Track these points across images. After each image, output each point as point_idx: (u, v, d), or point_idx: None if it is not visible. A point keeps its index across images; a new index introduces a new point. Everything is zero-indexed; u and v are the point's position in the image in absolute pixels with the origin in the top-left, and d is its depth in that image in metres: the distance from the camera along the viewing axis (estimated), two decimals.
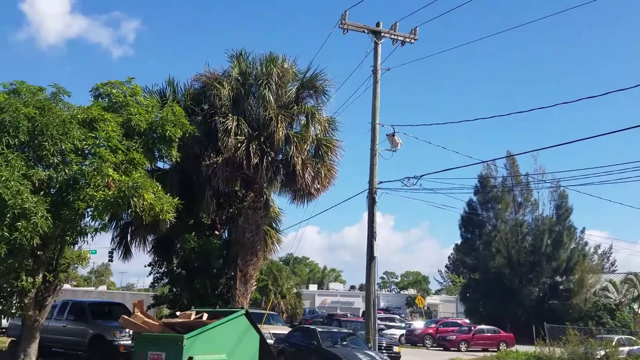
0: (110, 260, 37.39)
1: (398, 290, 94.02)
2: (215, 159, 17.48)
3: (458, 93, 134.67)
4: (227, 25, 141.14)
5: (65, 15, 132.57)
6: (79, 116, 13.23)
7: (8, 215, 10.98)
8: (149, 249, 19.58)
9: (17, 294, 12.68)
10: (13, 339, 17.22)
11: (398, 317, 43.60)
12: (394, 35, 18.94)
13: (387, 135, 18.15)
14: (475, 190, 49.46)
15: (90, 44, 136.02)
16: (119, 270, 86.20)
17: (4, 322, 21.87)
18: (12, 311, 13.05)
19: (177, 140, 14.65)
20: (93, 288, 61.62)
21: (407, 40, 19.08)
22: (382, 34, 18.81)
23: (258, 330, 10.79)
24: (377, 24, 18.86)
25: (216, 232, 19.82)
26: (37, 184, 11.97)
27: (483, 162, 41.88)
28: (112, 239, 19.06)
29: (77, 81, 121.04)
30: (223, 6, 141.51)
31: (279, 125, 17.52)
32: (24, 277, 12.16)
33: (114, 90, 14.83)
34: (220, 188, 17.73)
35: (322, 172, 18.63)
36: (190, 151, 17.12)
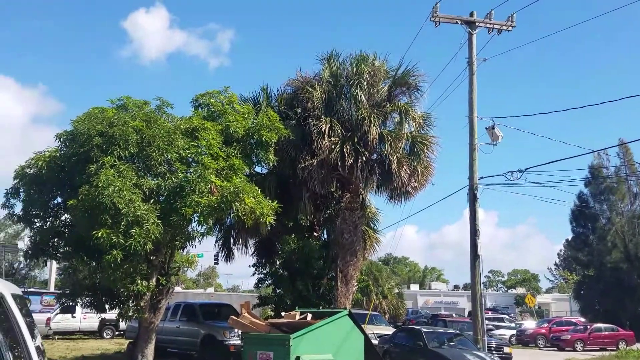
0: (216, 263, 38.95)
1: (505, 289, 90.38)
2: (310, 162, 17.66)
3: (561, 80, 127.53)
4: (317, 28, 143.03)
5: (164, 30, 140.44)
6: (182, 126, 13.87)
7: (122, 222, 11.69)
8: (251, 252, 20.18)
9: (133, 298, 13.42)
10: (131, 340, 18.29)
11: (507, 317, 41.86)
12: (489, 24, 18.19)
13: (486, 128, 17.44)
14: (586, 181, 46.40)
15: (189, 56, 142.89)
16: (224, 272, 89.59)
17: (122, 325, 23.38)
18: (130, 314, 13.80)
19: (273, 145, 15.00)
20: (202, 290, 64.54)
21: (504, 28, 18.26)
22: (477, 23, 18.11)
23: (362, 331, 10.72)
24: (471, 14, 18.18)
25: (315, 233, 20.01)
26: (147, 193, 12.65)
27: (593, 151, 38.95)
28: (216, 242, 19.82)
29: (177, 93, 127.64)
30: (312, 9, 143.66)
31: (372, 125, 17.40)
32: (139, 281, 12.87)
33: (212, 100, 15.45)
34: (317, 190, 17.89)
35: (419, 170, 18.27)
36: (286, 155, 17.42)
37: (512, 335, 33.85)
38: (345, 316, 10.41)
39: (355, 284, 19.23)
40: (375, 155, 18.54)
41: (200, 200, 12.40)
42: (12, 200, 14.56)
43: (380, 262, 46.09)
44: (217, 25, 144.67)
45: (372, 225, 21.48)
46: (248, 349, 10.40)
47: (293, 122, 18.10)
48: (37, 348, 3.31)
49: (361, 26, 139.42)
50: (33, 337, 3.24)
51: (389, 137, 17.86)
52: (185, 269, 16.63)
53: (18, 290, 3.62)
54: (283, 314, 12.46)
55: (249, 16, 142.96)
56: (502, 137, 17.21)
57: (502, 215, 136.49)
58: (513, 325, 37.32)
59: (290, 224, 19.17)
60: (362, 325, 11.82)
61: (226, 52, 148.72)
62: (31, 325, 3.41)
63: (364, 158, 17.63)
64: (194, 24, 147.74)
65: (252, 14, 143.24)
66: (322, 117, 17.78)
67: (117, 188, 11.70)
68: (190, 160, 13.78)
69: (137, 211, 11.81)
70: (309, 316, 10.60)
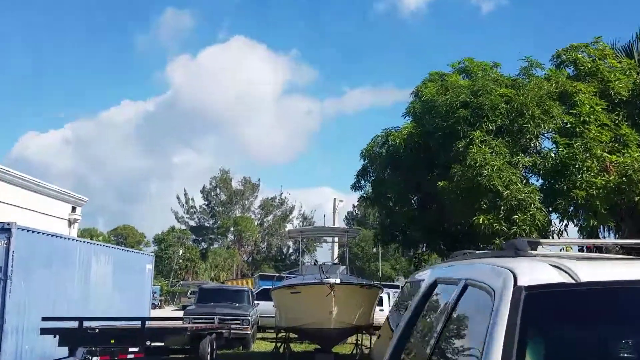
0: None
1: None
2: None
3: None
4: None
5: None
6: (555, 91, 11.48)
7: (502, 207, 9.96)
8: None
9: None
10: None
11: None
12: None
13: None
14: None
15: (455, 1, 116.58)
16: None
17: None
18: None
19: None
20: None
21: None
22: None
23: None
24: None
25: None
26: (522, 172, 10.70)
27: None
28: (580, 230, 16.95)
29: (443, 48, 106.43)
30: None
31: None
32: None
33: (579, 55, 12.69)
34: None
35: None
36: None
37: None
38: None
39: None
40: None
41: (594, 180, 9.93)
42: (362, 181, 14.22)
43: None
44: None
45: None
46: None
47: None
48: None
49: None
50: None
51: None
52: None
53: None
54: None
55: None
56: None
57: None
58: None
59: None
60: None
61: None
62: None
63: None
64: None
65: None
66: None
67: (495, 167, 9.99)
68: (568, 132, 11.33)
69: (519, 194, 9.93)
70: None
